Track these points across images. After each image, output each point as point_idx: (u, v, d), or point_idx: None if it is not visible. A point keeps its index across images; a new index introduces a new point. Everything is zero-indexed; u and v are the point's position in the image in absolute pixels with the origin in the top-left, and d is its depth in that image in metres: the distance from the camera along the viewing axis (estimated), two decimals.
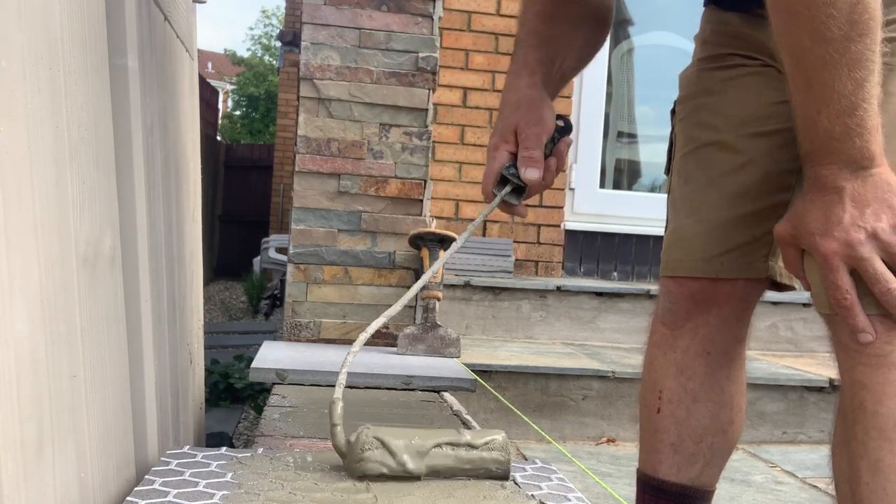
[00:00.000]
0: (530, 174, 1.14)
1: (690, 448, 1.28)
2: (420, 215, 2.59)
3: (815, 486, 2.28)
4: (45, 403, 0.82)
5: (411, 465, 1.08)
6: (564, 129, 1.20)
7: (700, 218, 1.26)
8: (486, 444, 1.12)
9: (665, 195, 1.41)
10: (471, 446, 1.11)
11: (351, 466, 1.09)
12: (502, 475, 1.13)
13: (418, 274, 2.57)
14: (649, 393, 1.32)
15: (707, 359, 1.28)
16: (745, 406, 1.36)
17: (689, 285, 1.27)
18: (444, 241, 2.50)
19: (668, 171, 1.37)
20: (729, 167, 1.23)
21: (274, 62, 21.14)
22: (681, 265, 1.29)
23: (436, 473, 1.11)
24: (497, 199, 1.17)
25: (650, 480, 1.31)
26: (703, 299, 1.26)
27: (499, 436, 1.14)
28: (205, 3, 1.98)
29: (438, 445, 1.10)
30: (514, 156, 1.17)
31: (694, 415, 1.27)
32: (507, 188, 1.16)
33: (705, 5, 1.33)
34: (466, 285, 3.21)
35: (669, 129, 1.38)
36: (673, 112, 1.36)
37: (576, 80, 3.81)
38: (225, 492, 1.03)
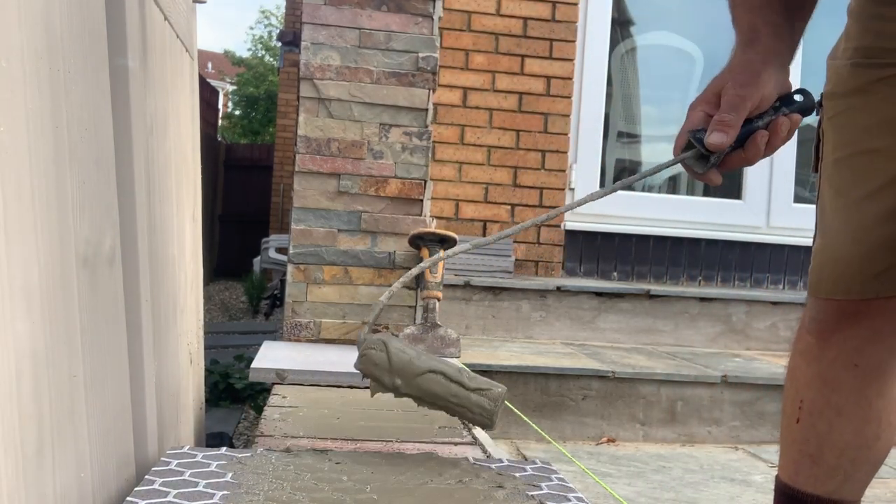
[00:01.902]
0: (714, 138, 1.03)
1: (831, 461, 1.24)
2: (420, 215, 2.59)
3: None
4: (45, 403, 0.82)
5: (399, 380, 1.11)
6: (798, 103, 1.07)
7: (856, 237, 1.16)
8: (480, 388, 1.13)
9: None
10: (463, 385, 1.12)
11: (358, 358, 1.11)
12: (484, 423, 1.13)
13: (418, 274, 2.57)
14: (790, 402, 1.28)
15: (855, 371, 1.20)
16: (895, 423, 1.28)
17: (841, 301, 1.19)
18: (445, 241, 2.50)
19: (815, 168, 1.26)
20: (887, 179, 1.13)
21: (274, 62, 21.14)
22: (836, 288, 1.20)
23: (420, 396, 1.12)
24: (673, 161, 1.07)
25: (787, 489, 1.27)
26: (853, 311, 1.19)
27: (498, 388, 1.14)
28: (205, 3, 1.98)
29: (434, 372, 1.10)
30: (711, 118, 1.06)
31: (837, 429, 1.22)
32: (689, 153, 1.06)
33: None
34: (466, 285, 3.21)
35: (816, 123, 1.26)
36: (819, 104, 1.23)
37: (576, 80, 3.81)
38: (225, 492, 1.03)
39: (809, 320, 1.25)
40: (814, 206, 1.27)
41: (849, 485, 1.24)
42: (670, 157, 1.15)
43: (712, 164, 1.07)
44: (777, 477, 1.31)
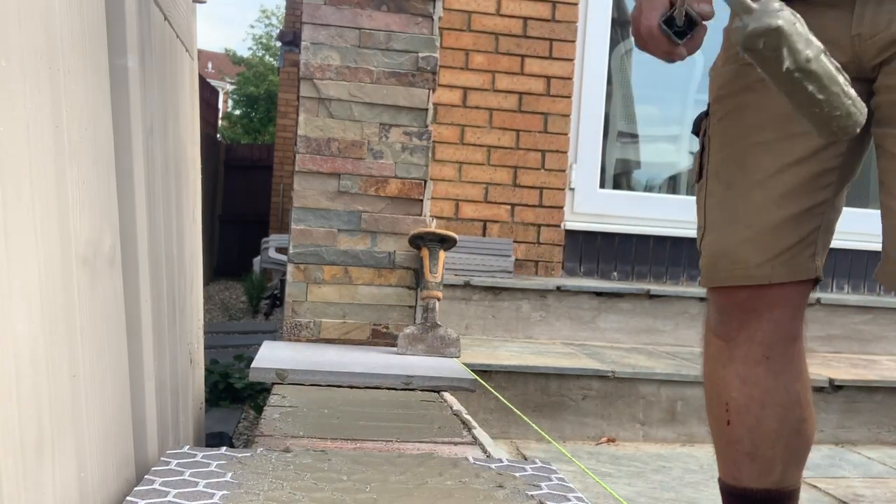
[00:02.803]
0: (704, 7, 1.07)
1: (767, 454, 1.28)
2: (420, 215, 2.59)
3: (815, 486, 2.28)
4: (45, 403, 0.82)
5: (810, 51, 0.96)
6: None
7: (747, 223, 1.23)
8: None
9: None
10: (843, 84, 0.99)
11: (759, 17, 0.94)
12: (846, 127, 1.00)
13: (418, 274, 2.57)
14: (716, 406, 1.32)
15: (767, 364, 1.26)
16: (813, 403, 1.34)
17: (739, 294, 1.25)
18: (444, 241, 2.50)
19: (699, 177, 1.32)
20: (776, 167, 1.20)
21: (274, 62, 21.13)
22: (730, 275, 1.25)
23: (820, 77, 0.97)
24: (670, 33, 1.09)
25: (733, 490, 1.31)
26: (754, 307, 1.25)
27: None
28: (205, 2, 1.98)
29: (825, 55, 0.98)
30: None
31: (764, 421, 1.27)
32: (679, 24, 1.09)
33: None
34: (466, 285, 3.21)
35: (696, 133, 1.33)
36: (706, 114, 1.31)
37: (576, 79, 3.81)
38: (225, 492, 1.03)
39: (715, 324, 1.31)
40: None
41: (789, 471, 1.29)
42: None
43: (689, 37, 1.12)
44: (720, 480, 1.34)
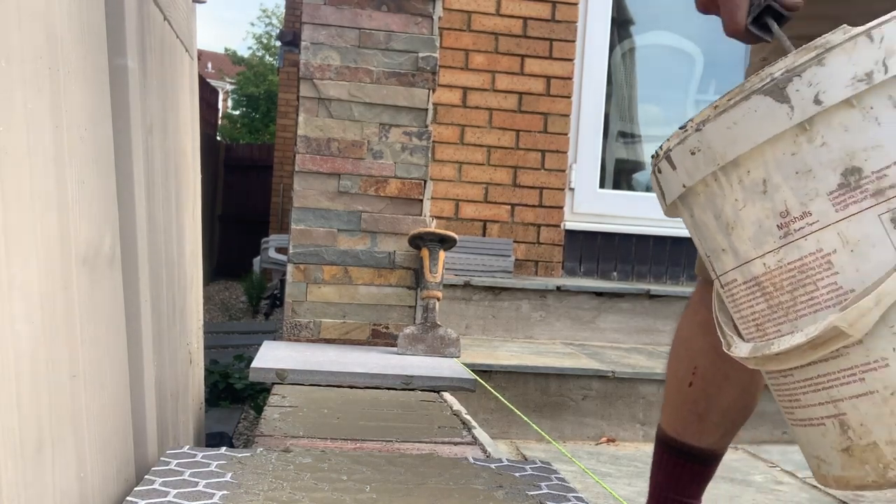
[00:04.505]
0: None
1: (715, 420, 1.38)
2: (420, 215, 2.59)
3: (816, 486, 2.28)
4: (45, 403, 0.82)
5: None
6: None
7: None
8: None
9: None
10: None
11: None
12: None
13: (418, 274, 2.57)
14: (683, 367, 1.39)
15: None
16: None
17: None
18: (444, 241, 2.50)
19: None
20: None
21: (274, 62, 21.13)
22: (700, 270, 1.33)
23: None
24: (772, 34, 0.97)
25: (672, 441, 1.42)
26: None
27: None
28: (205, 2, 1.98)
29: None
30: None
31: (725, 392, 1.35)
32: (772, 21, 0.96)
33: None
34: (466, 285, 3.20)
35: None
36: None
37: (576, 79, 3.81)
38: (225, 492, 1.03)
39: (708, 296, 1.35)
40: None
41: (724, 440, 1.41)
42: None
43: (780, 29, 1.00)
44: (661, 428, 1.46)
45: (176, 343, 1.61)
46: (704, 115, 0.77)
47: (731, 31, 1.02)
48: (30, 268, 0.78)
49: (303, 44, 2.52)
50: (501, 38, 3.71)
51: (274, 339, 2.57)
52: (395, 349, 2.43)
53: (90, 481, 0.95)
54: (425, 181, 2.59)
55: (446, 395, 2.05)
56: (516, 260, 3.71)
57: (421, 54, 2.56)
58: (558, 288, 3.28)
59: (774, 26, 0.96)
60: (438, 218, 3.60)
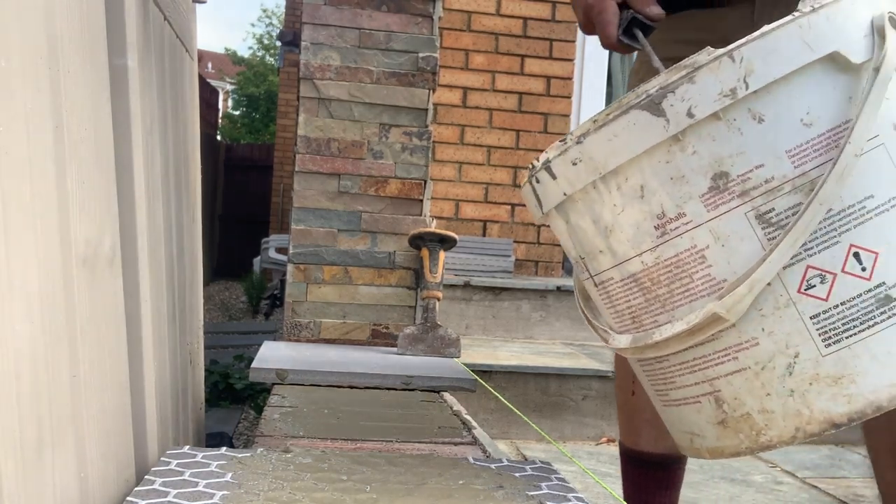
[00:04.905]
0: (654, 10, 1.07)
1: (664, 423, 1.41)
2: (420, 215, 2.59)
3: (816, 486, 2.28)
4: (45, 403, 0.82)
5: None
6: None
7: None
8: None
9: None
10: None
11: None
12: None
13: (418, 274, 2.57)
14: (624, 380, 1.44)
15: None
16: None
17: None
18: (444, 241, 2.50)
19: None
20: None
21: (274, 62, 21.12)
22: None
23: None
24: (641, 43, 1.08)
25: (632, 453, 1.47)
26: None
27: None
28: (205, 2, 1.98)
29: None
30: (620, 5, 1.10)
31: None
32: (639, 32, 1.08)
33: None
34: (466, 285, 3.21)
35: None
36: None
37: (576, 79, 3.81)
38: (225, 492, 1.03)
39: None
40: None
41: None
42: None
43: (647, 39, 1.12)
44: (621, 443, 1.50)
45: (176, 343, 1.61)
46: (584, 128, 0.83)
47: (606, 44, 1.11)
48: (30, 268, 0.78)
49: (303, 44, 2.52)
50: (501, 38, 3.71)
51: (274, 339, 2.57)
52: (395, 349, 2.43)
53: (90, 481, 0.95)
54: (425, 181, 2.59)
55: (446, 395, 2.05)
56: (516, 260, 3.71)
57: (421, 54, 2.56)
58: (558, 288, 3.28)
59: (640, 35, 1.08)
60: (438, 218, 3.60)
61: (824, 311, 0.79)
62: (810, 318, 0.79)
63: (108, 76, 1.07)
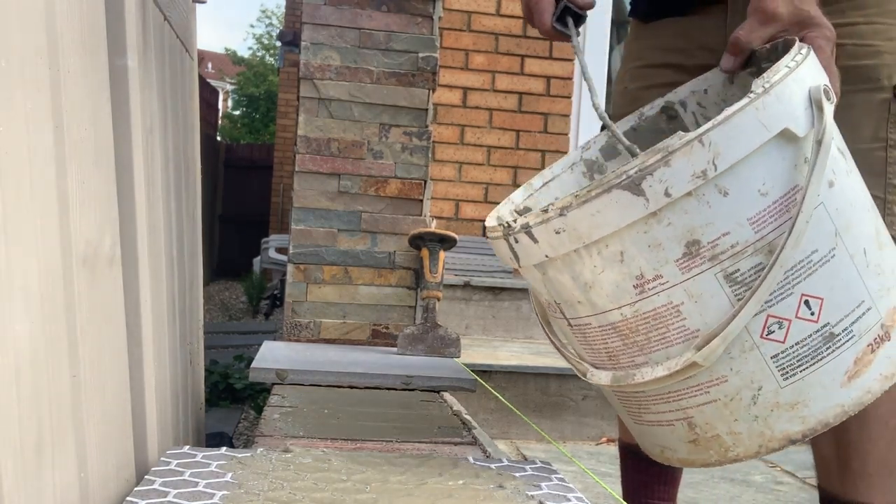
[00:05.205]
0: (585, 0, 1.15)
1: None
2: (420, 215, 2.59)
3: (816, 486, 2.28)
4: (45, 403, 0.82)
5: None
6: None
7: None
8: None
9: None
10: None
11: None
12: None
13: (418, 274, 2.57)
14: None
15: None
16: None
17: None
18: (444, 241, 2.50)
19: None
20: None
21: (274, 62, 21.12)
22: None
23: None
24: (570, 32, 1.18)
25: (630, 448, 1.49)
26: None
27: None
28: (205, 3, 1.98)
29: None
30: None
31: None
32: (570, 20, 1.18)
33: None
34: (466, 285, 3.21)
35: None
36: None
37: (576, 79, 3.81)
38: (225, 492, 1.03)
39: None
40: None
41: None
42: None
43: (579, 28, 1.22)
44: (620, 439, 1.56)
45: (176, 343, 1.61)
46: (566, 202, 0.91)
47: (542, 32, 1.19)
48: (30, 268, 0.78)
49: (303, 44, 2.52)
50: (501, 38, 3.71)
51: (274, 339, 2.58)
52: (395, 349, 2.43)
53: (90, 481, 0.95)
54: (425, 181, 2.59)
55: (446, 395, 2.05)
56: None
57: (421, 54, 2.56)
58: None
59: (571, 23, 1.16)
60: (438, 218, 3.60)
61: (782, 351, 0.91)
62: (771, 357, 0.91)
63: (108, 76, 1.07)
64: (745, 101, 0.87)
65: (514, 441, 2.59)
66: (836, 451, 1.25)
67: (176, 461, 1.15)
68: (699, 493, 2.18)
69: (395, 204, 2.57)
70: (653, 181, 0.87)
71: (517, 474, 1.19)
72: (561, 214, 0.91)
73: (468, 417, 1.82)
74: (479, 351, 2.85)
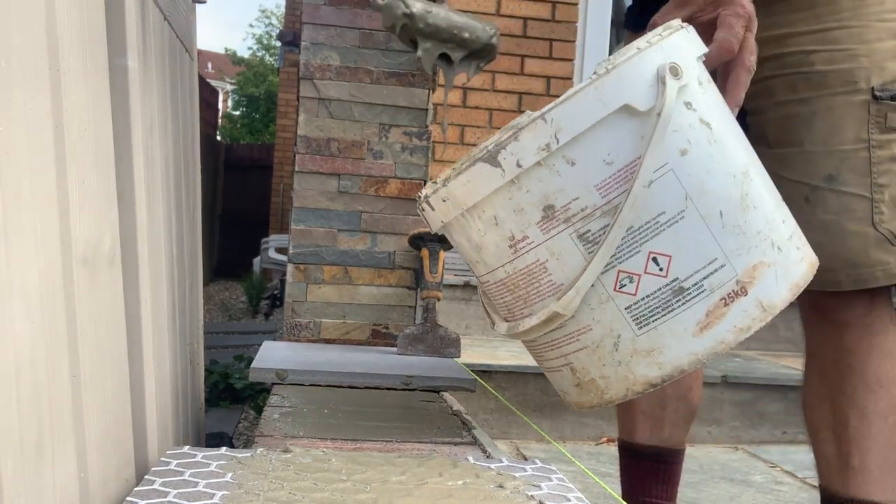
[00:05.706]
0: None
1: (657, 413, 1.52)
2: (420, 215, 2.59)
3: (816, 486, 2.28)
4: (45, 403, 0.82)
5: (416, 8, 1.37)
6: None
7: None
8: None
9: None
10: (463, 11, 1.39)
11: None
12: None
13: (418, 274, 2.57)
14: None
15: None
16: (702, 375, 1.62)
17: None
18: (445, 242, 2.50)
19: None
20: None
21: (274, 62, 21.12)
22: None
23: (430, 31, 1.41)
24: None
25: (629, 446, 1.55)
26: None
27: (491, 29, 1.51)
28: (205, 3, 1.98)
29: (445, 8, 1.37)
30: None
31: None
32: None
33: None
34: (466, 285, 3.20)
35: None
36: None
37: (576, 79, 3.81)
38: (225, 492, 1.03)
39: None
40: None
41: (675, 431, 1.54)
42: None
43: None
44: (619, 439, 1.60)
45: (176, 343, 1.61)
46: (448, 174, 1.06)
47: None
48: (30, 268, 0.78)
49: (303, 44, 2.52)
50: (501, 38, 3.71)
51: (274, 340, 2.58)
52: (395, 349, 2.43)
53: (90, 481, 0.95)
54: (425, 181, 2.59)
55: (446, 395, 2.05)
56: None
57: None
58: None
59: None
60: None
61: (634, 303, 1.01)
62: (625, 308, 1.02)
63: (108, 76, 1.07)
64: (586, 81, 0.98)
65: (514, 441, 2.59)
66: (837, 448, 1.26)
67: (176, 461, 1.15)
68: (699, 493, 2.18)
69: (395, 204, 2.57)
70: (506, 154, 0.99)
71: (517, 474, 1.19)
72: (444, 185, 1.05)
73: (468, 417, 1.82)
74: (479, 351, 2.85)
